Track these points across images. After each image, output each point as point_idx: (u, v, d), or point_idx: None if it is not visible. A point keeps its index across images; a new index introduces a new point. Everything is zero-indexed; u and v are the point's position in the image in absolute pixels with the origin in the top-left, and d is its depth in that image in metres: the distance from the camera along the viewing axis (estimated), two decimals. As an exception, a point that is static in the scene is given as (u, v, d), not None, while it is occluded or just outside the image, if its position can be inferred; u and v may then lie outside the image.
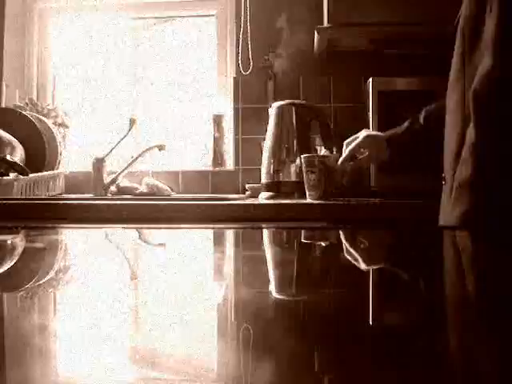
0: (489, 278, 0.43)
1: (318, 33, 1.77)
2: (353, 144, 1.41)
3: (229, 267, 0.50)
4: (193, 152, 2.26)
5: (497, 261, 0.52)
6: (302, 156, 1.51)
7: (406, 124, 1.35)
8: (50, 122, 1.97)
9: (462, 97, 0.95)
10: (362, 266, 0.52)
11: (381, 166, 1.54)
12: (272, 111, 1.72)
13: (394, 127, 1.52)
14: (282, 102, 1.71)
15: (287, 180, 1.65)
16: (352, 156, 1.43)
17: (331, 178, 1.47)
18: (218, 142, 2.11)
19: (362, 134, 1.42)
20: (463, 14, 0.98)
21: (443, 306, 0.34)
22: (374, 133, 1.43)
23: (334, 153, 1.58)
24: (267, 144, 1.70)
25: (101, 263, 0.52)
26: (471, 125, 0.88)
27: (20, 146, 1.79)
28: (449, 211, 0.96)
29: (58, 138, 1.96)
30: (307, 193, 1.49)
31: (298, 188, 1.61)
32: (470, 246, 0.68)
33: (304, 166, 1.48)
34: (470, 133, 0.89)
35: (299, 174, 1.61)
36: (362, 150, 1.42)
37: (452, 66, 1.02)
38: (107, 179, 1.92)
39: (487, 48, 0.87)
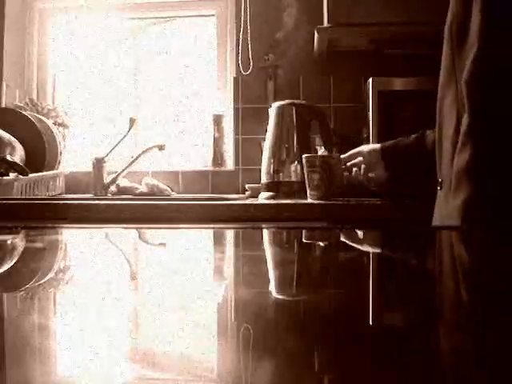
0: (489, 276, 0.43)
1: (317, 33, 1.77)
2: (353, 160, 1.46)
3: (229, 267, 0.50)
4: (193, 152, 2.26)
5: (497, 258, 0.52)
6: (304, 156, 1.51)
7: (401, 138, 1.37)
8: (50, 122, 1.97)
9: (456, 95, 0.95)
10: (362, 265, 0.52)
11: (381, 188, 1.53)
12: (272, 111, 1.72)
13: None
14: (282, 102, 1.71)
15: (287, 180, 1.65)
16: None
17: (333, 178, 1.47)
18: (218, 141, 2.11)
19: (362, 153, 1.43)
20: (450, 12, 0.98)
21: (443, 306, 0.34)
22: (371, 148, 1.44)
23: (334, 153, 1.59)
24: (267, 144, 1.70)
25: (101, 263, 0.52)
26: (465, 115, 0.88)
27: (20, 146, 1.79)
28: (447, 208, 0.96)
29: (58, 138, 1.96)
30: (309, 193, 1.49)
31: (298, 188, 1.61)
32: (470, 245, 0.68)
33: (306, 165, 1.48)
34: (464, 122, 0.88)
35: (299, 173, 1.61)
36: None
37: (442, 67, 1.02)
38: (107, 179, 1.92)
39: (474, 38, 0.87)
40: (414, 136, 1.33)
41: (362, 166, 1.44)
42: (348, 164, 1.47)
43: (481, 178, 0.88)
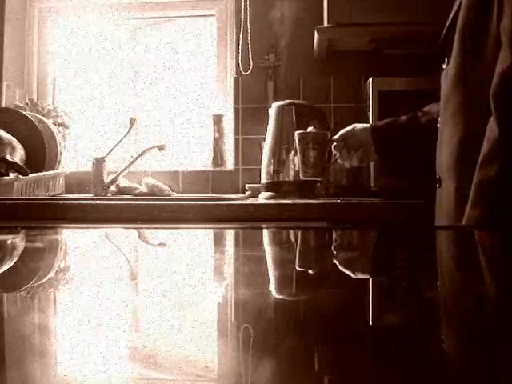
0: (497, 278, 0.43)
1: (317, 33, 1.77)
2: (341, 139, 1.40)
3: (229, 267, 0.50)
4: (193, 152, 2.26)
5: (501, 260, 0.52)
6: (298, 132, 1.48)
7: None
8: (50, 122, 1.97)
9: (466, 99, 0.93)
10: (363, 265, 0.52)
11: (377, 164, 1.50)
12: (272, 111, 1.72)
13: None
14: (281, 102, 1.71)
15: (287, 180, 1.65)
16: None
17: (329, 156, 1.45)
18: (218, 141, 2.11)
19: (354, 130, 1.39)
20: (463, 13, 0.96)
21: (445, 307, 0.34)
22: (363, 126, 1.40)
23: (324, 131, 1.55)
24: (267, 144, 1.70)
25: (101, 263, 0.52)
26: (491, 124, 0.86)
27: (20, 145, 1.79)
28: (453, 211, 0.95)
29: (58, 138, 1.96)
30: (304, 171, 1.46)
31: (298, 188, 1.61)
32: (488, 245, 0.68)
33: (303, 142, 1.45)
34: (493, 132, 0.85)
35: (299, 173, 1.60)
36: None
37: (451, 67, 1.00)
38: (107, 179, 1.92)
39: (504, 47, 0.84)
40: (406, 117, 1.32)
41: (353, 144, 1.39)
42: (340, 144, 1.41)
43: (507, 192, 0.85)
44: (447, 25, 1.04)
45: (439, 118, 1.06)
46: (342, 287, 0.40)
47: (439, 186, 1.03)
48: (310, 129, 1.56)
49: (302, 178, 1.47)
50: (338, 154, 1.42)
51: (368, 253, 0.64)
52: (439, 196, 1.05)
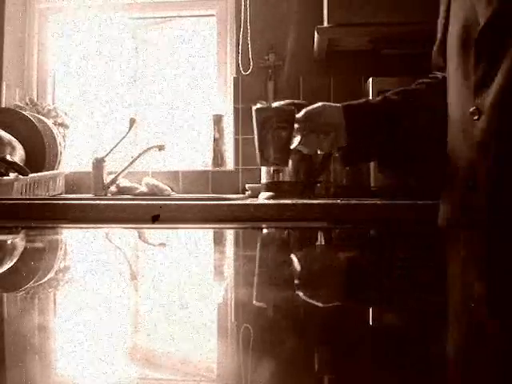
0: (498, 279, 0.43)
1: (317, 33, 1.77)
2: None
3: (229, 267, 0.50)
4: (193, 152, 2.26)
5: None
6: (255, 108, 1.18)
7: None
8: (50, 122, 1.97)
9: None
10: (363, 266, 0.52)
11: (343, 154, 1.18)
12: (272, 111, 1.71)
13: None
14: (281, 102, 1.71)
15: (287, 180, 1.65)
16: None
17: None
18: (217, 142, 2.11)
19: (324, 109, 1.17)
20: (485, 19, 0.89)
21: (445, 308, 0.34)
22: (333, 105, 1.18)
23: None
24: (267, 144, 1.70)
25: (101, 263, 0.52)
26: None
27: (20, 145, 1.79)
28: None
29: (58, 138, 1.96)
30: (270, 157, 1.19)
31: (298, 188, 1.61)
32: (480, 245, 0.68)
33: (276, 120, 1.15)
34: None
35: (299, 173, 1.60)
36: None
37: (503, 71, 0.88)
38: (107, 179, 1.92)
39: None
40: (376, 99, 1.18)
41: (322, 127, 1.15)
42: (304, 126, 1.15)
43: None
44: (488, 17, 0.94)
45: (466, 110, 0.97)
46: (341, 288, 0.40)
47: (475, 190, 0.96)
48: (258, 104, 1.25)
49: (260, 165, 1.23)
50: (300, 138, 1.15)
51: (370, 253, 0.64)
52: (470, 199, 0.98)
